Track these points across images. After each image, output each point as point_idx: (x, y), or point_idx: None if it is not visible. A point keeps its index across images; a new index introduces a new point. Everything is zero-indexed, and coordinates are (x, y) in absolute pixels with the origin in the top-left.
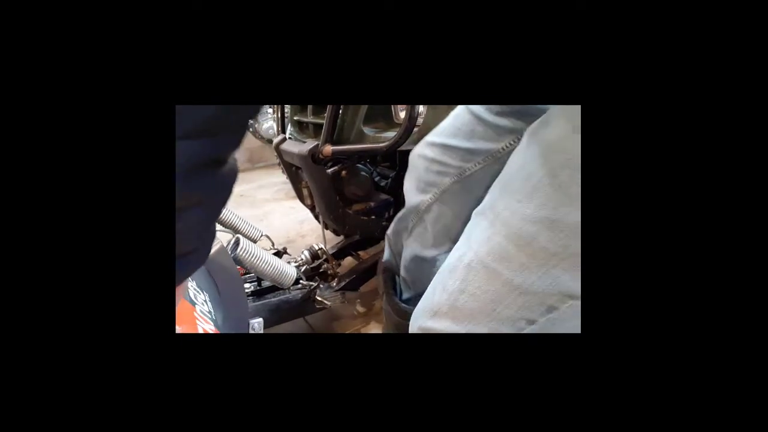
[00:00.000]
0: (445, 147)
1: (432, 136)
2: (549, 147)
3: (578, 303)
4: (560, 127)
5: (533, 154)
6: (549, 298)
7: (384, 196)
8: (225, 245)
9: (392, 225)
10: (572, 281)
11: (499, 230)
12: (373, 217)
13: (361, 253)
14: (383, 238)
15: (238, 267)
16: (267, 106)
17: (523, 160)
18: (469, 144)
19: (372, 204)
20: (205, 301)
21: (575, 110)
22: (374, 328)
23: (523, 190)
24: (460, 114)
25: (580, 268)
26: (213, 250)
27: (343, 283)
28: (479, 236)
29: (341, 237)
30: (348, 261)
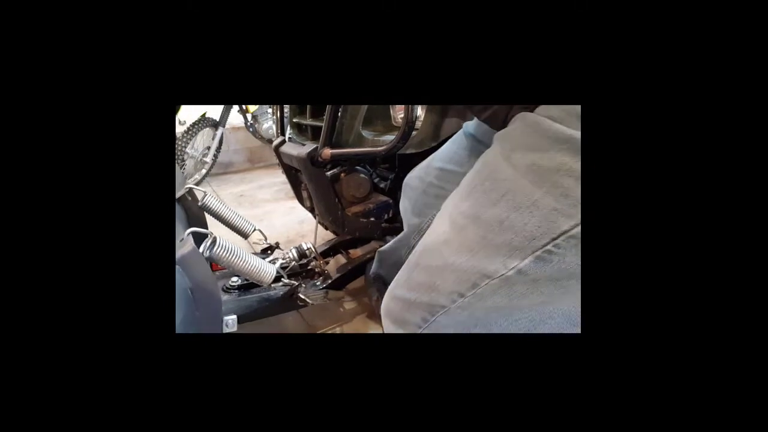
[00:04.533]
0: (442, 171)
1: (430, 160)
2: (485, 164)
3: (494, 282)
4: (494, 150)
5: (476, 167)
6: (473, 276)
7: (383, 198)
8: (200, 245)
9: (389, 244)
10: (490, 264)
11: (446, 220)
12: (372, 218)
13: (351, 251)
14: (381, 239)
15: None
16: (267, 106)
17: (471, 171)
18: (465, 170)
19: (371, 206)
20: None
21: (508, 138)
22: (360, 324)
23: (464, 192)
24: (457, 139)
25: (494, 255)
26: (186, 251)
27: (328, 282)
28: (435, 224)
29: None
30: (339, 258)
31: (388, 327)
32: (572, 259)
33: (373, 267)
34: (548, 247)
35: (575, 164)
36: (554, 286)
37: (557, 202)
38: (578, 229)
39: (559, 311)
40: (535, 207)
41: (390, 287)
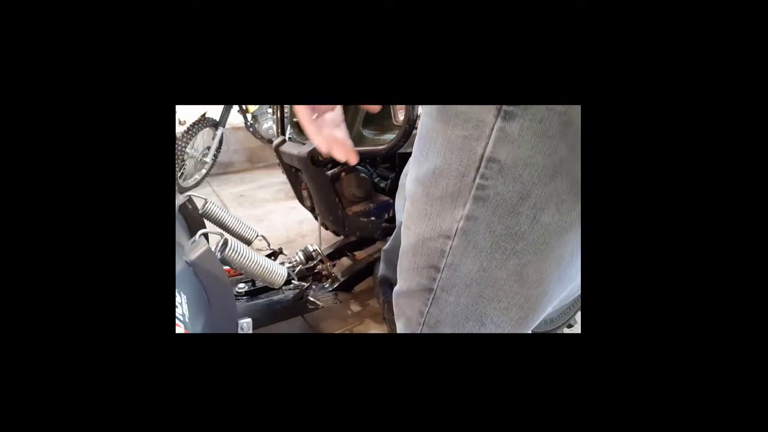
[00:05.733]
0: None
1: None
2: (419, 134)
3: (455, 243)
4: (423, 119)
5: (416, 141)
6: (437, 242)
7: (383, 198)
8: (213, 247)
9: (390, 243)
10: (443, 222)
11: (407, 196)
12: (372, 218)
13: (356, 253)
14: (381, 239)
15: (227, 268)
16: (267, 106)
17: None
18: None
19: (371, 205)
20: (181, 303)
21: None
22: (368, 327)
23: (412, 162)
24: None
25: (442, 210)
26: (200, 252)
27: (336, 284)
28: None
29: (340, 237)
30: (344, 260)
31: (401, 329)
32: (505, 189)
33: (380, 268)
34: (478, 180)
35: None
36: (513, 239)
37: (463, 129)
38: (490, 149)
39: (552, 289)
40: (450, 143)
41: (396, 288)
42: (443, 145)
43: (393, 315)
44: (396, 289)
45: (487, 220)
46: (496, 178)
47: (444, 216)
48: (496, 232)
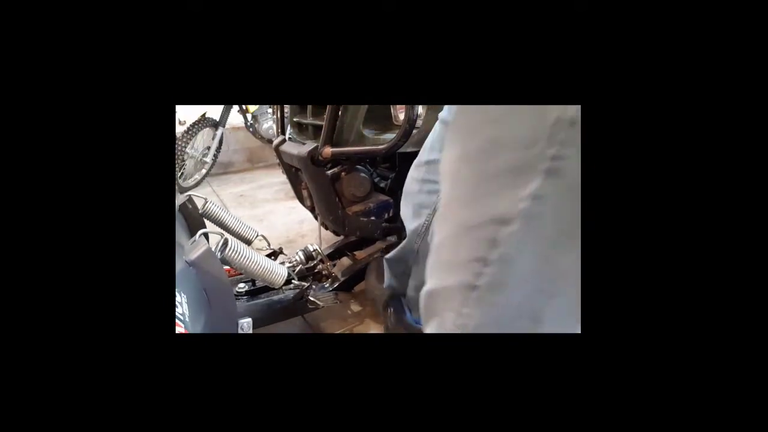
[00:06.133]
0: (430, 163)
1: (418, 157)
2: (461, 107)
3: (513, 229)
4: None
5: (457, 114)
6: (488, 230)
7: (383, 197)
8: (213, 247)
9: (394, 252)
10: (499, 203)
11: (446, 178)
12: (372, 218)
13: (356, 253)
14: (382, 239)
15: (227, 268)
16: (267, 106)
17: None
18: None
19: (371, 205)
20: (180, 303)
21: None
22: (368, 327)
23: (452, 140)
24: (436, 129)
25: (499, 189)
26: (200, 252)
27: (336, 284)
28: (441, 189)
29: (340, 237)
30: (344, 260)
31: (433, 331)
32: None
33: (386, 280)
34: (552, 150)
35: None
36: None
37: None
38: (573, 109)
39: None
40: (513, 107)
41: (426, 286)
42: (502, 110)
43: (406, 327)
44: (427, 287)
45: (556, 199)
46: (574, 145)
47: (501, 196)
48: (565, 215)
